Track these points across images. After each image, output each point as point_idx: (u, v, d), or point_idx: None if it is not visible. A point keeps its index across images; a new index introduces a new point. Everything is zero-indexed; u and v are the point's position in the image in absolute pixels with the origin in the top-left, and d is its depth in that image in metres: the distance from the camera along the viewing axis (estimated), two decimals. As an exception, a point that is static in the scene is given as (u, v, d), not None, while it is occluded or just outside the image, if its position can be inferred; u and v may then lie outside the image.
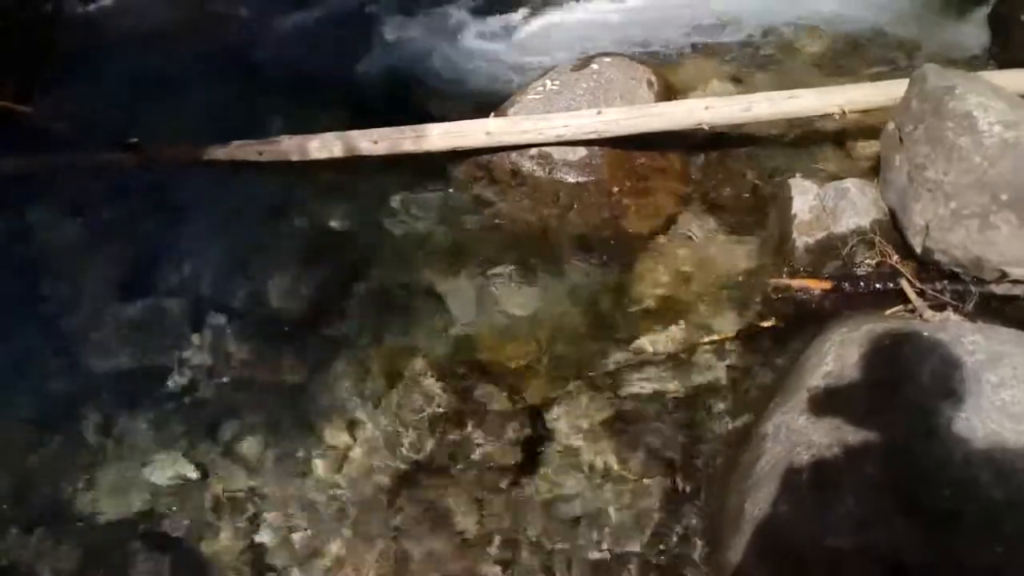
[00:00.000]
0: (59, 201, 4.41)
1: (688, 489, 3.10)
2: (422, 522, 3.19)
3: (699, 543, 2.90)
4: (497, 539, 3.12)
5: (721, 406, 3.24)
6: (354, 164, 4.32)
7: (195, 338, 3.80)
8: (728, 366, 3.33)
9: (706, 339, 3.43)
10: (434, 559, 3.09)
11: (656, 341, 3.53)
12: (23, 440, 3.46)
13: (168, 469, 3.40)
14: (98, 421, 3.54)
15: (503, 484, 3.26)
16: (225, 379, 3.67)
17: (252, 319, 3.86)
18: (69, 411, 3.56)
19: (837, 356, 2.74)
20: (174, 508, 3.30)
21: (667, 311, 3.62)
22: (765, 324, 3.38)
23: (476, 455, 3.33)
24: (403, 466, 3.33)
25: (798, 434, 2.57)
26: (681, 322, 3.55)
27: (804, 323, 3.32)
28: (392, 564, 3.09)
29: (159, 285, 4.02)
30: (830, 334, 2.92)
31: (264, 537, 3.20)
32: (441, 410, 3.45)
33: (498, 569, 3.07)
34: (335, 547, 3.13)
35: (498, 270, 3.92)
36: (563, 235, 4.00)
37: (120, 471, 3.40)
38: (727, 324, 3.47)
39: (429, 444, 3.36)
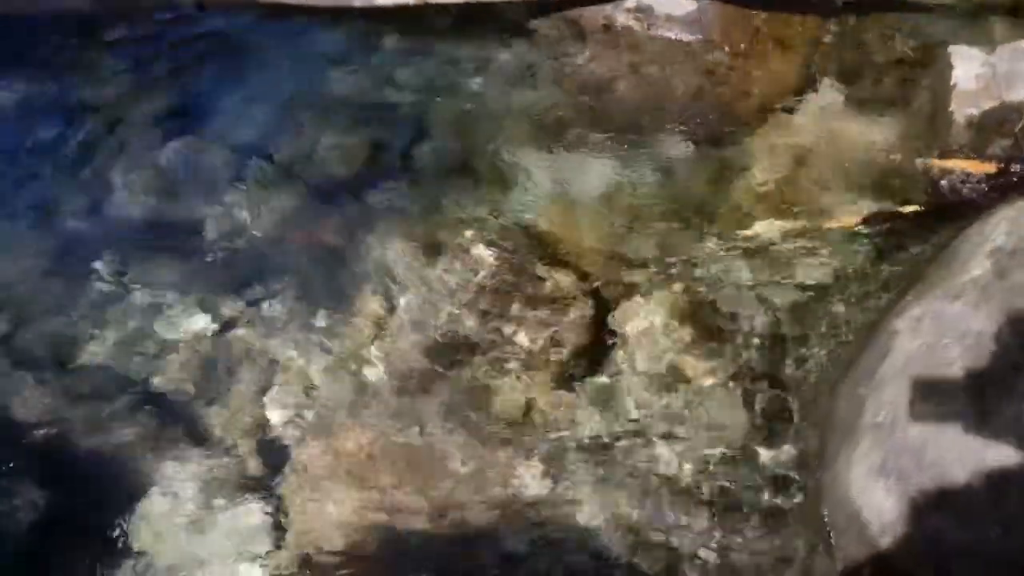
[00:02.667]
0: (117, 41, 4.03)
1: (782, 399, 2.50)
2: (454, 409, 2.72)
3: (792, 459, 2.29)
4: (541, 439, 2.60)
5: (836, 303, 2.62)
6: (426, 22, 3.78)
7: (235, 189, 3.38)
8: (851, 256, 2.67)
9: (827, 225, 2.76)
10: (463, 453, 2.59)
11: (761, 228, 2.88)
12: (35, 275, 3.13)
13: (183, 323, 3.03)
14: (116, 265, 3.19)
15: (554, 377, 2.73)
16: (260, 235, 3.26)
17: (297, 176, 3.43)
18: (89, 252, 3.22)
19: (1011, 230, 2.05)
20: (182, 365, 2.91)
21: (780, 194, 2.98)
22: (905, 210, 2.68)
23: (526, 340, 2.81)
24: (440, 344, 2.83)
25: (949, 323, 1.92)
26: (796, 207, 2.92)
27: (956, 211, 2.60)
28: (414, 454, 2.61)
29: (205, 132, 3.61)
30: (1000, 210, 2.21)
31: (274, 408, 2.79)
32: (491, 287, 2.93)
33: (538, 471, 2.55)
34: (352, 426, 2.68)
35: (578, 140, 3.33)
36: (660, 102, 3.37)
37: (131, 320, 3.03)
38: (855, 210, 2.79)
39: (472, 323, 2.86)
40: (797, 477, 2.25)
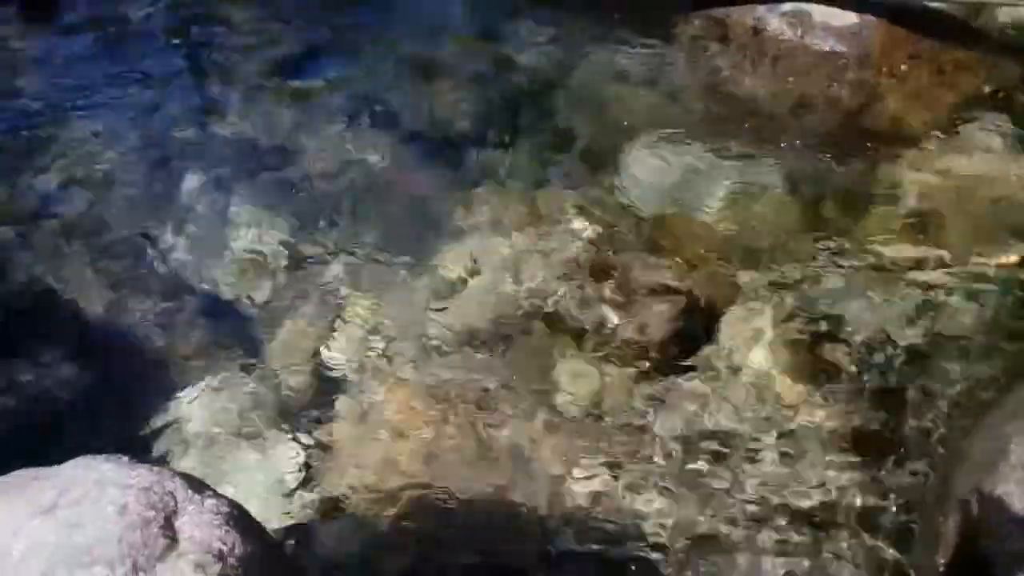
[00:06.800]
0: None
1: (891, 444, 2.18)
2: (524, 383, 2.46)
3: (893, 514, 1.98)
4: (610, 434, 2.36)
5: (976, 344, 2.26)
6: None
7: (339, 132, 3.27)
8: (999, 298, 2.34)
9: (974, 263, 2.44)
10: (523, 430, 2.35)
11: (897, 255, 2.59)
12: (129, 166, 3.10)
13: (261, 246, 2.91)
14: (209, 179, 3.09)
15: (636, 369, 2.49)
16: (355, 177, 3.12)
17: (403, 124, 3.31)
18: (187, 162, 3.16)
19: None
20: (252, 284, 2.79)
21: (922, 225, 2.70)
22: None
23: (612, 324, 2.57)
24: (521, 313, 2.62)
25: None
26: (939, 241, 2.59)
27: None
28: (470, 421, 2.38)
29: (321, 76, 3.51)
30: None
31: (333, 347, 2.62)
32: (586, 264, 2.71)
33: (604, 469, 2.30)
34: (410, 380, 2.48)
35: (704, 139, 3.10)
36: (800, 114, 3.12)
37: (210, 231, 2.93)
38: (1010, 251, 2.46)
39: (559, 297, 2.64)
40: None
